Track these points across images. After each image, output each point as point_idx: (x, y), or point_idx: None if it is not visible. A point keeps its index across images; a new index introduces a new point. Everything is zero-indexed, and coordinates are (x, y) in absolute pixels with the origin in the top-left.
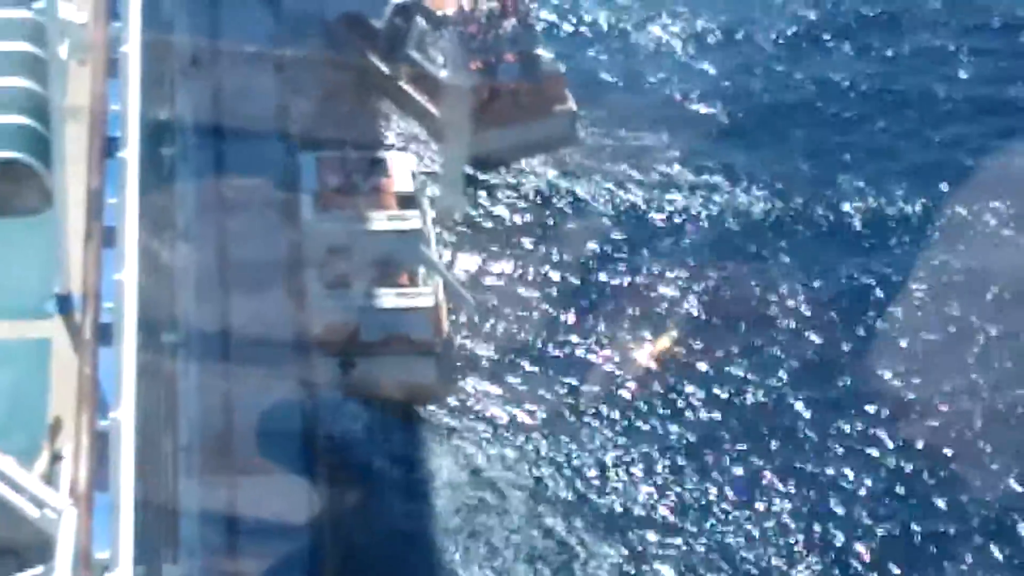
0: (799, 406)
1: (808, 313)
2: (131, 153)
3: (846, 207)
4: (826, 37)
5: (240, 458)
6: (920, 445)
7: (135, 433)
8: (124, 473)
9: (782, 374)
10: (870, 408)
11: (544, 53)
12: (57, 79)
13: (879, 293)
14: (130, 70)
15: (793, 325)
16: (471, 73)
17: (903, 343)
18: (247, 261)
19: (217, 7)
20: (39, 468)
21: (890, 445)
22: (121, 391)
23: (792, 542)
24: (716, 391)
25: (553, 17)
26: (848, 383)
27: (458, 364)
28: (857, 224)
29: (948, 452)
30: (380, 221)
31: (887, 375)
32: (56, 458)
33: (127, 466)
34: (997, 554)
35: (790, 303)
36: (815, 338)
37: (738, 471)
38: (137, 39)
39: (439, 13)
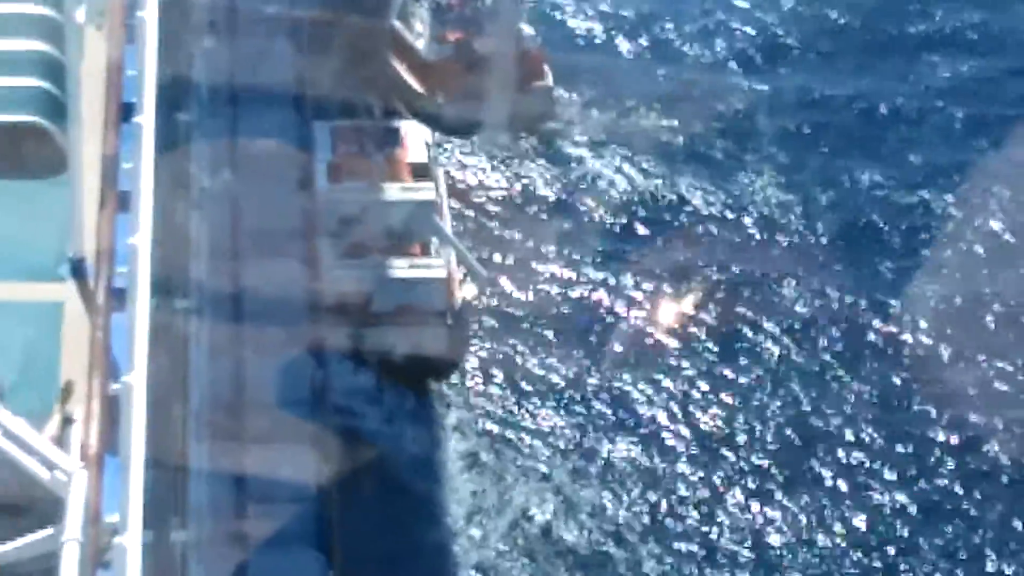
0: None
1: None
2: (147, 118)
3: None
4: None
5: (250, 424)
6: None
7: (146, 397)
8: (135, 437)
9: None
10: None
11: (525, 28)
12: (74, 43)
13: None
14: (147, 35)
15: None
16: (448, 45)
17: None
18: (260, 228)
19: None
20: (50, 430)
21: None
22: (133, 355)
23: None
24: (731, 359)
25: None
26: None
27: (469, 334)
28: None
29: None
30: (394, 191)
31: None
32: (67, 421)
33: (138, 430)
34: None
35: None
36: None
37: (757, 457)
38: (154, 4)
39: None
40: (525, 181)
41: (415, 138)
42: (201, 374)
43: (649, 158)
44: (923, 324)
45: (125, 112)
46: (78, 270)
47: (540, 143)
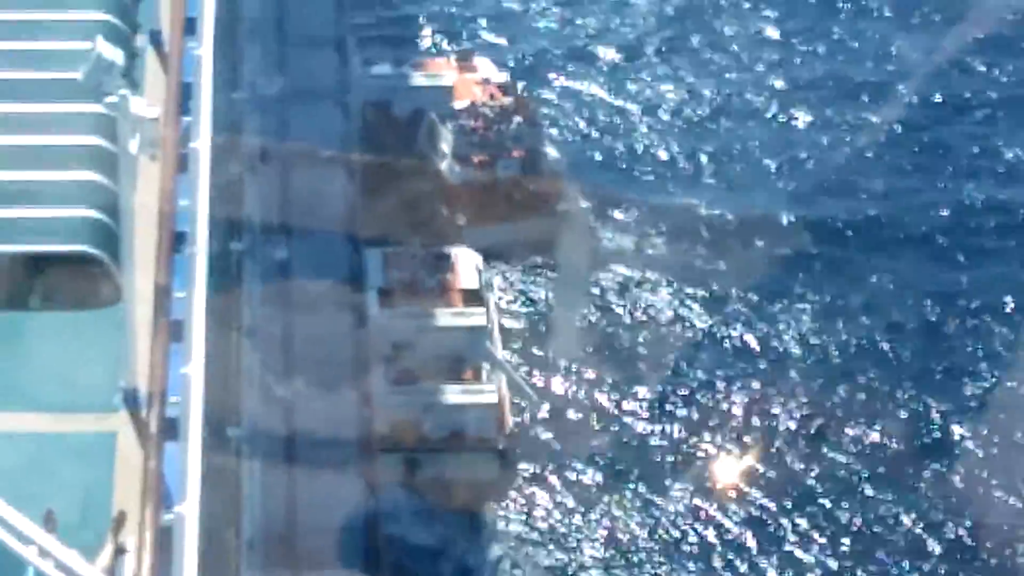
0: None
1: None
2: (199, 248)
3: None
4: None
5: (302, 552)
6: None
7: (199, 527)
8: (187, 568)
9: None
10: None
11: (550, 151)
12: (127, 173)
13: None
14: (200, 166)
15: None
16: (471, 167)
17: None
18: (312, 357)
19: (286, 105)
20: (103, 561)
21: None
22: (185, 485)
23: None
24: (784, 510)
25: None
26: None
27: (521, 461)
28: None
29: None
30: (445, 317)
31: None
32: (120, 551)
33: (190, 560)
34: None
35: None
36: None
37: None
38: (207, 135)
39: (453, 106)
40: (576, 303)
41: (466, 263)
42: (254, 502)
43: (689, 287)
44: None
45: (178, 242)
46: (131, 400)
47: (569, 268)
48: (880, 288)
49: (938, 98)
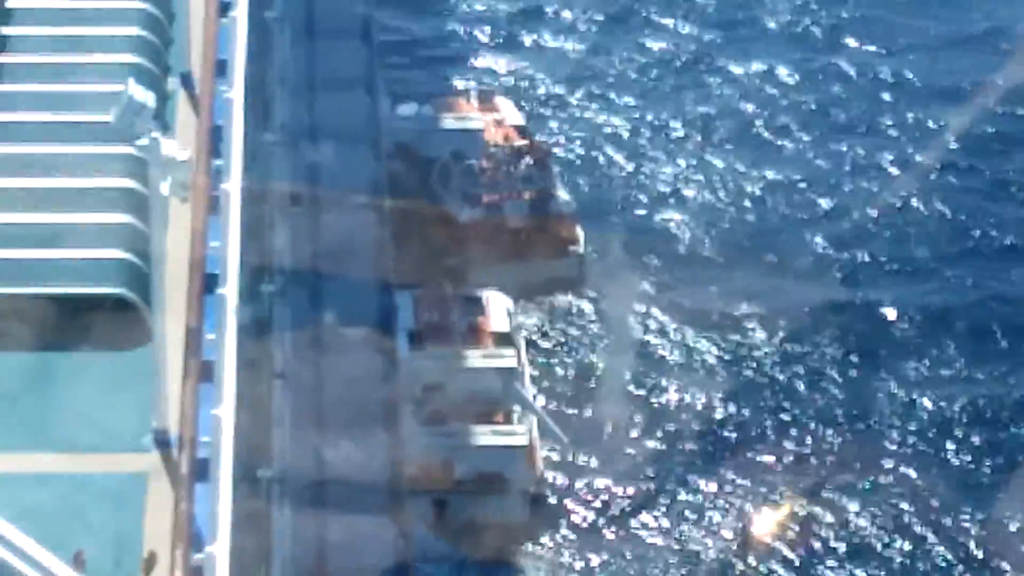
0: None
1: None
2: (230, 290)
3: None
4: None
5: None
6: None
7: (229, 569)
8: None
9: None
10: None
11: (561, 194)
12: (158, 215)
13: None
14: (230, 208)
15: None
16: (480, 207)
17: None
18: (343, 398)
19: (316, 143)
20: None
21: None
22: (216, 525)
23: None
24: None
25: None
26: None
27: (551, 503)
28: None
29: None
30: (476, 359)
31: None
32: None
33: None
34: None
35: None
36: None
37: None
38: (237, 177)
39: (481, 149)
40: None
41: (496, 305)
42: (284, 544)
43: (709, 331)
44: None
45: (208, 283)
46: (162, 441)
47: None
48: None
49: None
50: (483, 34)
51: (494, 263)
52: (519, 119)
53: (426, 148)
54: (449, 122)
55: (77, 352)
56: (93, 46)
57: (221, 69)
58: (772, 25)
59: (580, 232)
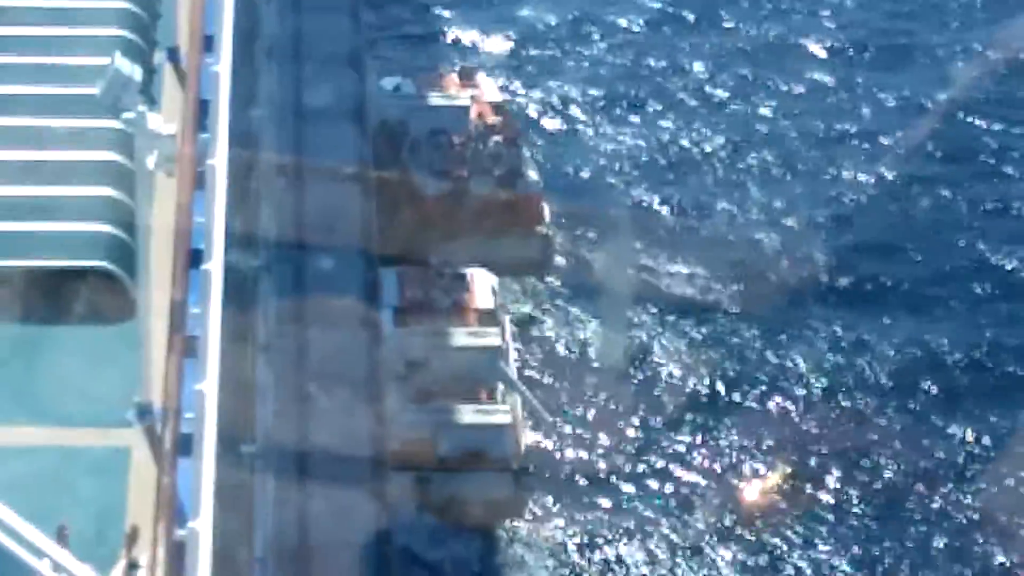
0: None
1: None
2: (215, 265)
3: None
4: None
5: (315, 570)
6: None
7: (211, 544)
8: None
9: None
10: None
11: (531, 173)
12: (144, 189)
13: None
14: (216, 182)
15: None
16: (446, 181)
17: None
18: (326, 372)
19: (303, 121)
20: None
21: None
22: (199, 501)
23: None
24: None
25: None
26: None
27: (535, 481)
28: None
29: None
30: (460, 337)
31: None
32: (133, 567)
33: None
34: None
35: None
36: None
37: None
38: (224, 151)
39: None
40: (594, 322)
41: (482, 284)
42: (266, 519)
43: (687, 311)
44: None
45: (194, 258)
46: (145, 416)
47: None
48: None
49: None
50: (470, 11)
51: (456, 239)
52: (498, 97)
53: (412, 125)
54: (436, 99)
55: (60, 326)
56: (79, 19)
57: (208, 43)
58: None
59: (547, 211)
